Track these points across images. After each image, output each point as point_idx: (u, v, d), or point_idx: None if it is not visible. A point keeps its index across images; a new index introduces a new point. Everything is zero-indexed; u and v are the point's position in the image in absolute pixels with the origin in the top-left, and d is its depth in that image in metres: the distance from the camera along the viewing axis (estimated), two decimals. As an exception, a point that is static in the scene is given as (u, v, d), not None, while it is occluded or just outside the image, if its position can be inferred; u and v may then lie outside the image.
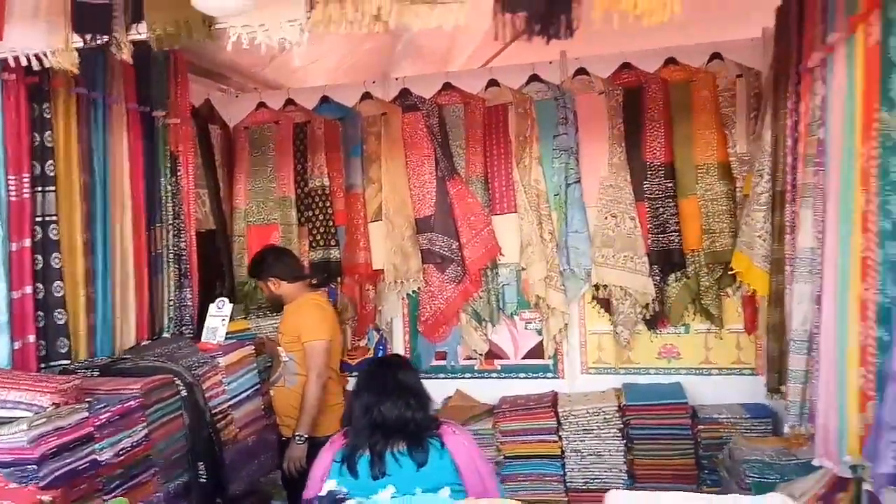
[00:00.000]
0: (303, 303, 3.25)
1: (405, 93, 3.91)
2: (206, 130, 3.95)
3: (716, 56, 3.52)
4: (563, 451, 3.54)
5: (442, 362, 4.04)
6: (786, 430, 2.42)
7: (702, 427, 3.38)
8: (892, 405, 1.55)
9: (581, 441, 3.51)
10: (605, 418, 3.48)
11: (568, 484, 3.52)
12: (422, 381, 2.28)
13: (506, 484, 3.58)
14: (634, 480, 3.46)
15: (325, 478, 2.12)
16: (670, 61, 3.57)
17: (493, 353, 3.97)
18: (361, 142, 4.00)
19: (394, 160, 3.91)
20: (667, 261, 3.57)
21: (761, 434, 3.16)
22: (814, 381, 2.16)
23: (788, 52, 2.58)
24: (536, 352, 3.90)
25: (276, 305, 3.48)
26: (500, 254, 3.82)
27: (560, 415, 3.55)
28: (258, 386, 3.17)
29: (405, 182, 3.89)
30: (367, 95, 4.00)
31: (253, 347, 3.22)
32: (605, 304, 3.74)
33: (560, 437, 3.54)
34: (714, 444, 3.27)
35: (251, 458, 3.01)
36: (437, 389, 3.95)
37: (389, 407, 2.11)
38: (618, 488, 3.44)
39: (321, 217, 4.00)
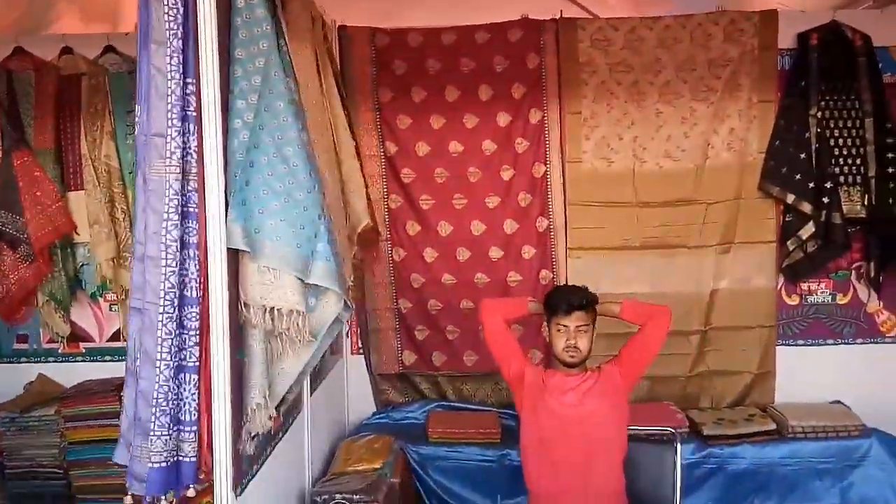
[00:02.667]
0: None
1: (-32, 56, 3.58)
2: None
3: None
4: (127, 434, 3.48)
5: (24, 346, 3.82)
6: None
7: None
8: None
9: (145, 422, 3.47)
10: (166, 399, 3.46)
11: (132, 466, 3.48)
12: None
13: (72, 471, 3.47)
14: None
15: None
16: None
17: (78, 336, 3.82)
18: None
19: (-45, 128, 3.56)
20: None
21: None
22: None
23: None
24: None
25: None
26: (76, 232, 3.65)
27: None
28: None
29: (-32, 152, 3.57)
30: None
31: None
32: (187, 284, 3.71)
33: (125, 420, 3.48)
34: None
35: None
36: (20, 375, 3.79)
37: None
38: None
39: None
